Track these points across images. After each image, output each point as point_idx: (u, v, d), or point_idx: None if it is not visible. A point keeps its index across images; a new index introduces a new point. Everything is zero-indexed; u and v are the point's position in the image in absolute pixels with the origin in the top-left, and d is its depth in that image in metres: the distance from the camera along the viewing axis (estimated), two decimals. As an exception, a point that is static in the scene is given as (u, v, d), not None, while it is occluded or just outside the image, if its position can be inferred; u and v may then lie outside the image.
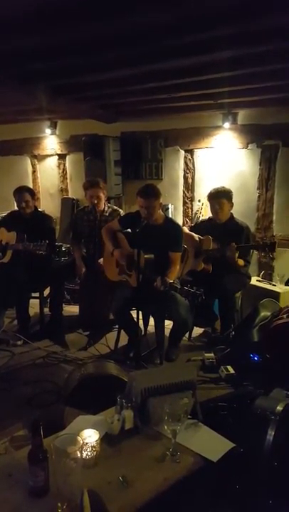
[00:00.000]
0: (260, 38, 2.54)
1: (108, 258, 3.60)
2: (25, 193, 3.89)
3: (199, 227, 3.89)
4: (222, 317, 3.81)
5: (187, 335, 3.88)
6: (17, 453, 1.68)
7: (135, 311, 3.08)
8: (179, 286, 2.97)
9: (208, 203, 3.85)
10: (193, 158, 5.04)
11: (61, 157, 6.14)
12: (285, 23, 2.33)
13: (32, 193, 4.00)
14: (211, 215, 3.82)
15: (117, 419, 1.78)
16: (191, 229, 3.90)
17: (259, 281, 4.31)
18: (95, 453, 1.61)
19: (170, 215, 5.02)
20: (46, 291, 4.09)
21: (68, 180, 6.17)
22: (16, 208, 4.13)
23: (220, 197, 3.63)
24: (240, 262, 3.53)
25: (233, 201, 3.69)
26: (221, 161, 4.81)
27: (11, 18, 2.19)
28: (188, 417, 1.84)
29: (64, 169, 6.16)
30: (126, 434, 1.77)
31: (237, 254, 3.44)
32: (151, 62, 2.99)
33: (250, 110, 4.53)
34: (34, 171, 6.48)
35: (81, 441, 1.48)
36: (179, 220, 5.12)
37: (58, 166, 6.21)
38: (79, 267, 3.95)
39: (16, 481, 1.49)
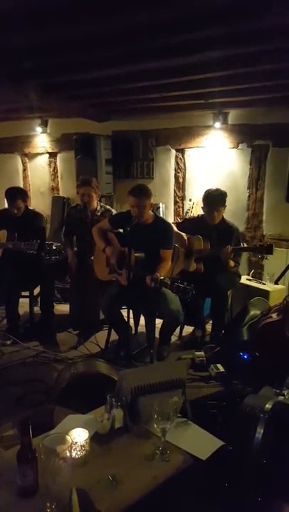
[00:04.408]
0: (250, 39, 2.56)
1: (98, 257, 3.60)
2: (18, 200, 3.80)
3: (188, 224, 3.87)
4: (213, 316, 3.83)
5: (178, 333, 3.90)
6: (6, 453, 1.66)
7: (126, 309, 3.08)
8: (169, 283, 2.98)
9: (199, 203, 3.85)
10: (184, 158, 5.05)
11: (52, 155, 6.11)
12: (276, 24, 2.35)
13: (24, 196, 3.93)
14: (200, 213, 3.82)
15: (107, 418, 1.77)
16: (179, 224, 3.89)
17: (249, 280, 4.34)
18: (84, 452, 1.60)
19: (161, 214, 5.02)
20: (36, 290, 4.07)
21: (59, 179, 6.15)
22: (6, 205, 4.09)
23: (218, 205, 3.60)
24: (231, 263, 3.56)
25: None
26: (211, 161, 4.82)
27: (0, 16, 2.17)
28: (178, 415, 1.84)
29: (55, 168, 6.13)
30: (116, 433, 1.77)
31: (232, 256, 3.45)
32: (143, 61, 2.99)
33: (240, 110, 4.55)
34: (25, 170, 6.45)
35: (70, 441, 1.48)
36: (170, 219, 5.13)
37: (49, 165, 6.18)
38: (71, 262, 3.94)
39: (5, 481, 1.48)
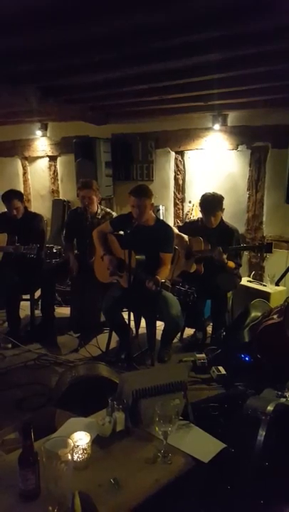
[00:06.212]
0: (249, 41, 2.56)
1: (99, 260, 3.60)
2: (14, 200, 3.83)
3: (189, 227, 3.88)
4: (214, 317, 3.83)
5: (179, 336, 3.89)
6: (8, 456, 1.66)
7: (127, 312, 3.08)
8: (170, 286, 2.98)
9: (198, 205, 3.85)
10: (183, 160, 5.05)
11: (52, 159, 6.12)
12: (274, 26, 2.36)
13: (21, 197, 3.95)
14: (200, 215, 3.83)
15: (108, 421, 1.77)
16: (180, 228, 3.90)
17: (250, 281, 4.33)
18: (86, 455, 1.60)
19: (161, 216, 5.03)
20: (37, 293, 4.07)
21: (59, 182, 6.15)
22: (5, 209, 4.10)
23: (215, 210, 3.60)
24: (231, 264, 3.54)
25: (224, 202, 3.70)
26: (211, 163, 4.83)
27: (-1, 19, 2.18)
28: (180, 418, 1.84)
29: (55, 171, 6.14)
30: (117, 436, 1.77)
31: (226, 257, 3.44)
32: (142, 64, 2.99)
33: (239, 112, 4.55)
34: (25, 173, 6.45)
35: (72, 444, 1.48)
36: (170, 221, 5.13)
37: (49, 168, 6.19)
38: (72, 265, 3.94)
39: (7, 484, 1.48)
